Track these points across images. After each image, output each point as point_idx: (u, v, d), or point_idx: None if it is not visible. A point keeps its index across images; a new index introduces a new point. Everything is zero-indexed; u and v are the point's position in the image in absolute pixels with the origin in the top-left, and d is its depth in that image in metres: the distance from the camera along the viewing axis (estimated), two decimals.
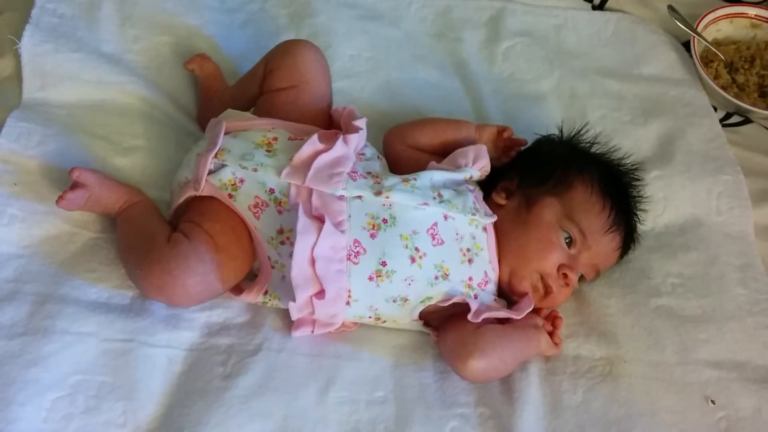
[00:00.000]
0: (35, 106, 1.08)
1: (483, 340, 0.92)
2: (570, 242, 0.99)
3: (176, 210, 1.00)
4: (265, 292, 0.98)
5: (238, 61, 1.22)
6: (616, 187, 1.04)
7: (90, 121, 1.08)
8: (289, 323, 0.97)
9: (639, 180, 1.09)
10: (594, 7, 1.44)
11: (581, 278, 1.03)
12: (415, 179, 0.99)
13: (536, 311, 0.99)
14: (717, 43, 1.39)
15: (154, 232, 0.96)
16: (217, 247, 0.94)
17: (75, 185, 0.96)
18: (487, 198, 1.03)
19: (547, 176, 1.02)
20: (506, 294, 1.01)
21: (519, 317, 0.95)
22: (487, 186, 1.05)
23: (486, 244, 0.99)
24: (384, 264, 0.93)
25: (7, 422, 0.84)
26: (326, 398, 0.92)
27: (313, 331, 0.96)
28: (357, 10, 1.33)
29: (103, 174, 1.00)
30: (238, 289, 0.98)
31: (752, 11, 1.40)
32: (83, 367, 0.89)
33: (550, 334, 0.99)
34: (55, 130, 1.05)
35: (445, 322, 0.98)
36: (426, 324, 0.99)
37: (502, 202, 1.03)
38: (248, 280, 0.99)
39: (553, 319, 1.00)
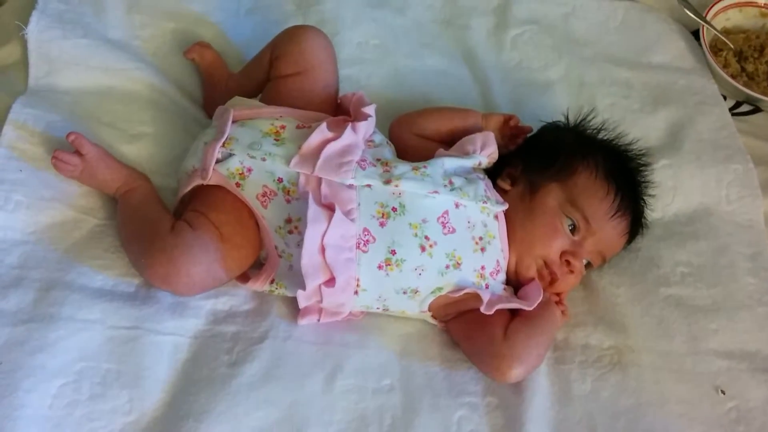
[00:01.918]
0: (41, 92, 1.07)
1: (517, 347, 0.91)
2: (573, 228, 0.99)
3: (182, 198, 1.00)
4: (272, 281, 0.97)
5: (245, 49, 1.21)
6: (622, 173, 1.03)
7: (96, 107, 1.08)
8: (295, 311, 0.96)
9: (646, 165, 1.08)
10: None
11: (588, 265, 1.02)
12: (425, 167, 0.98)
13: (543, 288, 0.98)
14: (726, 32, 1.38)
15: (157, 221, 0.95)
16: (222, 237, 0.93)
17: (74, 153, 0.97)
18: (493, 186, 1.03)
19: (551, 162, 1.02)
20: (513, 282, 1.01)
21: (530, 308, 0.94)
22: (492, 174, 1.05)
23: (498, 233, 0.98)
24: (393, 253, 0.93)
25: (13, 408, 0.83)
26: (333, 386, 0.92)
27: (319, 320, 0.95)
28: None
29: (104, 149, 1.00)
30: (244, 277, 0.98)
31: (762, 0, 1.39)
32: (89, 354, 0.89)
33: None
34: (61, 117, 1.04)
35: (460, 324, 0.97)
36: (434, 317, 0.99)
37: (507, 187, 1.02)
38: (255, 268, 0.99)
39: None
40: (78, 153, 0.97)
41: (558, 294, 1.00)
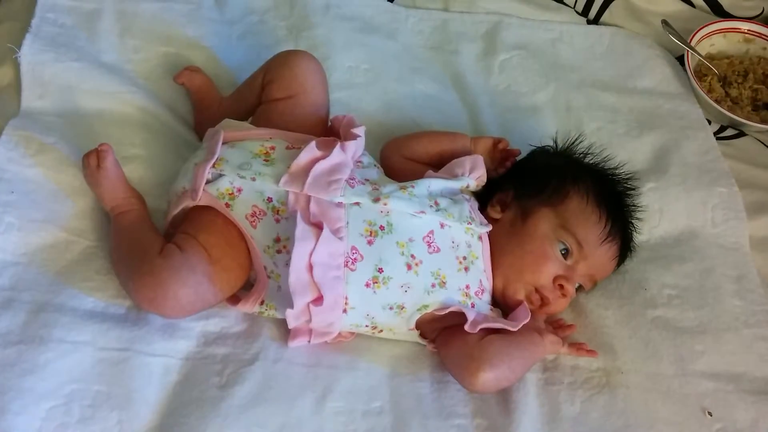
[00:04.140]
0: (34, 114, 1.08)
1: (489, 351, 0.92)
2: (566, 253, 1.00)
3: (172, 220, 1.00)
4: (262, 302, 0.97)
5: (237, 73, 1.22)
6: (611, 197, 1.05)
7: (89, 130, 1.08)
8: (285, 333, 0.96)
9: (633, 189, 1.10)
10: (589, 22, 1.46)
11: (579, 288, 1.03)
12: (412, 186, 0.99)
13: (533, 312, 0.99)
14: (710, 58, 1.40)
15: (147, 244, 0.96)
16: (211, 259, 0.93)
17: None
18: (482, 210, 1.04)
19: (542, 187, 1.03)
20: (501, 305, 1.01)
21: (515, 329, 0.95)
22: (482, 198, 1.06)
23: (481, 253, 0.99)
24: (381, 271, 0.93)
25: (2, 431, 0.83)
26: (323, 408, 0.92)
27: (309, 341, 0.96)
28: (355, 22, 1.34)
29: (121, 173, 1.01)
30: (234, 299, 0.98)
31: (745, 26, 1.42)
32: (79, 376, 0.89)
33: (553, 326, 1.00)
34: (53, 139, 1.05)
35: (443, 334, 0.97)
36: (422, 335, 0.99)
37: (498, 215, 1.03)
38: (245, 289, 0.99)
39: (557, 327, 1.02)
40: (99, 163, 0.98)
41: (552, 323, 1.01)
